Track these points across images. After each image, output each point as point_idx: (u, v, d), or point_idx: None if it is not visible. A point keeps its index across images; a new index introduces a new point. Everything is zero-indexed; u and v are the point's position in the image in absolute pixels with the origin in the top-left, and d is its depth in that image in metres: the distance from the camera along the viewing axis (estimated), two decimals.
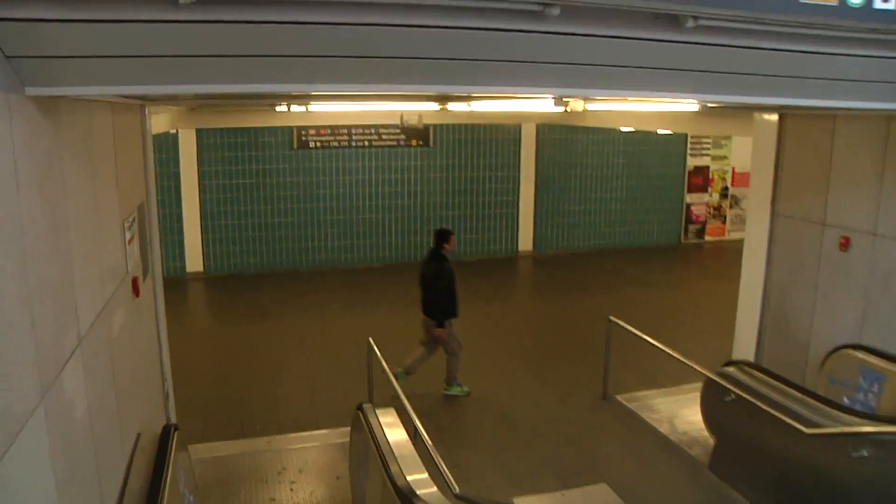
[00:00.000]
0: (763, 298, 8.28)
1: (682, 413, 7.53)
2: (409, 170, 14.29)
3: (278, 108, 10.71)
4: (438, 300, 7.88)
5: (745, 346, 8.42)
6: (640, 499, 5.75)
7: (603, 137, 15.77)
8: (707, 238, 17.59)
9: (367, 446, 4.48)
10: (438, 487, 3.93)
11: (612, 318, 7.80)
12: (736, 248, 17.80)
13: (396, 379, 7.91)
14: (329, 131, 13.59)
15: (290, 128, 13.35)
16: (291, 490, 5.76)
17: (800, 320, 7.81)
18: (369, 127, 13.80)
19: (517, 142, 15.00)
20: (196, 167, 12.94)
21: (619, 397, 7.88)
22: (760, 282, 8.30)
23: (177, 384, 5.67)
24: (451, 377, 8.02)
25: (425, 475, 3.88)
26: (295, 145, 13.45)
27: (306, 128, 13.43)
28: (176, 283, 12.61)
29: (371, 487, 4.46)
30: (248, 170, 13.26)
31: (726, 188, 17.64)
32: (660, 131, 13.09)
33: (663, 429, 7.11)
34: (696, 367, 6.53)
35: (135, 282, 4.55)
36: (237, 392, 7.92)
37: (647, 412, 7.51)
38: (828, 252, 7.48)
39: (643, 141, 16.21)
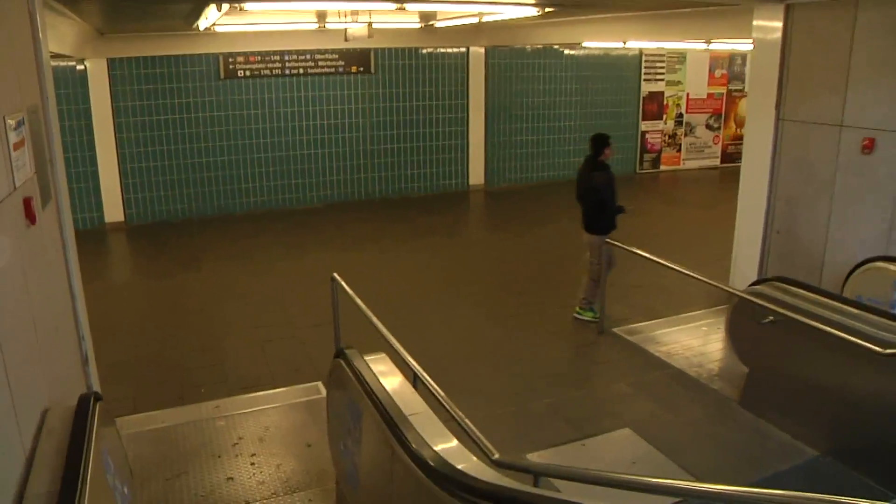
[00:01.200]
0: (767, 215, 7.47)
1: (691, 344, 6.68)
2: (350, 99, 12.97)
3: (202, 24, 9.24)
4: (599, 214, 7.06)
5: (745, 267, 7.63)
6: (669, 443, 4.86)
7: (554, 61, 14.71)
8: (662, 167, 16.87)
9: (358, 405, 3.40)
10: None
11: (608, 240, 6.84)
12: (692, 176, 17.36)
13: (581, 318, 7.24)
14: (260, 58, 12.11)
15: (217, 55, 11.82)
16: (253, 465, 4.63)
17: (812, 235, 7.01)
18: (304, 52, 12.37)
19: (465, 67, 13.80)
20: (109, 103, 11.32)
21: (616, 331, 6.98)
22: (763, 196, 7.47)
23: (98, 345, 4.42)
24: (588, 301, 7.26)
25: (454, 442, 2.83)
26: (222, 75, 11.94)
27: (234, 54, 11.92)
28: (93, 235, 11.12)
29: (367, 459, 3.39)
30: (169, 104, 11.72)
31: (681, 115, 16.88)
32: (625, 45, 12.00)
33: (676, 363, 6.24)
34: (725, 287, 5.66)
35: (27, 203, 3.29)
36: (174, 350, 6.69)
37: (652, 345, 6.63)
38: (847, 157, 6.64)
39: (595, 65, 15.23)
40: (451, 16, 9.98)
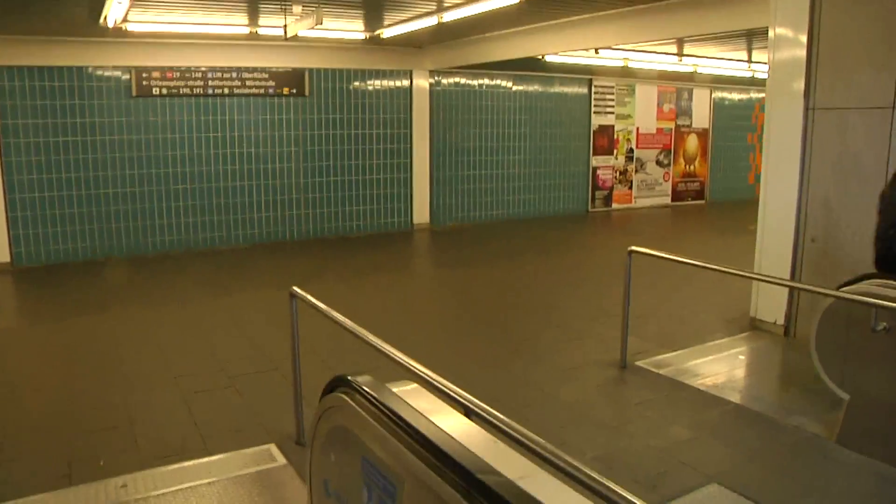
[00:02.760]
0: (798, 221, 6.33)
1: (736, 375, 5.42)
2: (281, 125, 11.47)
3: (110, 17, 7.69)
4: None
5: (770, 286, 6.44)
6: (773, 499, 3.49)
7: (502, 91, 13.67)
8: (614, 206, 15.92)
9: (390, 471, 1.88)
10: None
11: (633, 248, 5.53)
12: (646, 215, 16.44)
13: None
14: (178, 74, 10.52)
15: (128, 69, 10.18)
16: None
17: (859, 241, 5.89)
18: (230, 70, 10.86)
19: (408, 93, 12.56)
20: None
21: (640, 364, 5.62)
22: (793, 200, 6.34)
23: None
24: None
25: None
26: (134, 92, 10.27)
27: (149, 69, 10.30)
28: None
29: None
30: (70, 124, 9.94)
31: (631, 150, 16.07)
32: (597, 53, 10.95)
33: (730, 397, 4.90)
34: (818, 290, 4.33)
35: None
36: (63, 409, 4.90)
37: (690, 378, 5.28)
38: None
39: (545, 96, 14.28)
40: (402, 17, 8.73)
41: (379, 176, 12.49)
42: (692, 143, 17.20)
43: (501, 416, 2.14)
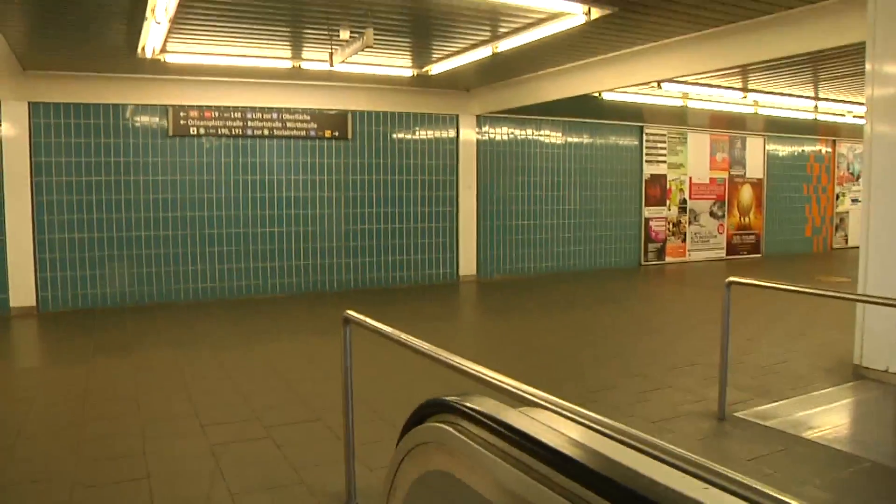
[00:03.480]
0: None
1: (861, 429, 4.53)
2: (322, 169, 10.98)
3: (147, 46, 7.31)
4: None
5: (881, 324, 5.60)
6: None
7: (551, 138, 13.11)
8: (668, 259, 15.10)
9: None
10: None
11: (732, 278, 4.78)
12: (702, 268, 15.52)
13: None
14: (217, 114, 10.13)
15: (165, 107, 9.81)
16: None
17: None
18: (271, 110, 10.45)
19: (454, 138, 12.05)
20: (28, 157, 9.10)
21: (740, 415, 4.78)
22: None
23: None
24: None
25: None
26: (171, 131, 9.87)
27: (186, 108, 9.92)
28: None
29: None
30: (104, 163, 9.53)
31: (684, 201, 15.33)
32: (659, 87, 10.31)
33: (866, 453, 4.04)
34: None
35: None
36: (75, 457, 4.20)
37: (805, 431, 4.44)
38: None
39: (595, 144, 13.71)
40: (453, 48, 8.22)
41: (423, 225, 11.88)
42: (746, 193, 16.42)
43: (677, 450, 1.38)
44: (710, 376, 5.96)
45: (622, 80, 8.71)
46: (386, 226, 11.57)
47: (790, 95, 10.56)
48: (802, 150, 17.40)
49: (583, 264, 13.72)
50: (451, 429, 1.48)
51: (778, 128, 15.70)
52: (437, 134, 11.88)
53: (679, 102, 11.09)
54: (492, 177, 12.52)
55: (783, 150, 16.99)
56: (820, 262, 15.95)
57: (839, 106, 11.72)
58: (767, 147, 16.62)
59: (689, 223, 15.45)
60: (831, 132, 16.95)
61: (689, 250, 15.46)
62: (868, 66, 5.70)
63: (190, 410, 5.11)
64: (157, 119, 9.79)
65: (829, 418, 4.75)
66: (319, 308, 9.87)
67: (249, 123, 10.33)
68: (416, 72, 9.48)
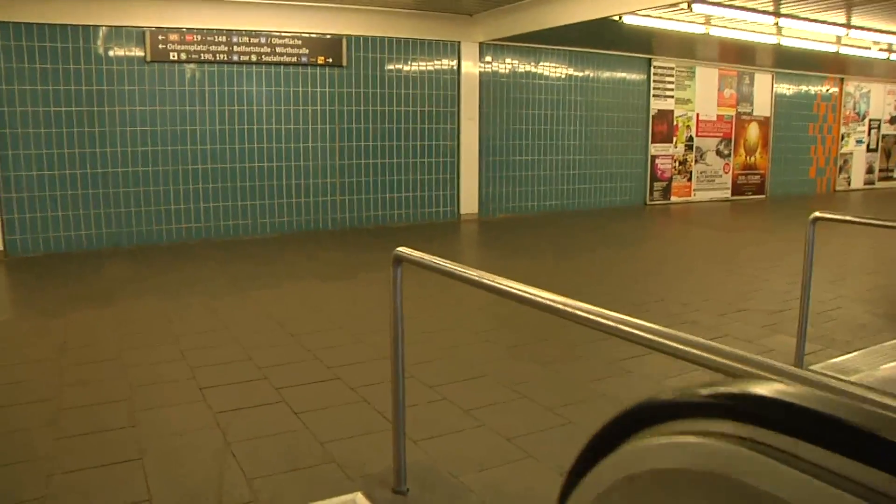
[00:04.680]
0: None
1: None
2: (314, 99, 10.10)
3: None
4: None
5: None
6: None
7: (557, 70, 12.29)
8: (673, 199, 14.47)
9: None
10: None
11: (818, 213, 4.10)
12: (708, 208, 14.86)
13: None
14: (199, 37, 9.17)
15: (141, 30, 8.84)
16: None
17: None
18: (258, 34, 9.50)
19: (455, 67, 11.18)
20: None
21: (817, 368, 4.18)
22: None
23: None
24: None
25: None
26: (148, 57, 8.92)
27: (165, 30, 8.95)
28: None
29: None
30: (74, 92, 8.59)
31: (691, 139, 14.62)
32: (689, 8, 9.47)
33: None
34: None
35: None
36: (50, 433, 3.49)
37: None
38: None
39: (600, 78, 12.90)
40: None
41: (423, 159, 11.10)
42: (753, 132, 15.74)
43: None
44: (766, 324, 5.38)
45: (646, 1, 7.87)
46: (383, 160, 10.77)
47: (820, 22, 9.77)
48: (809, 89, 16.69)
49: (587, 203, 13.05)
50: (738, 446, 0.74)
51: (788, 63, 14.94)
52: (438, 62, 11.00)
53: (702, 29, 10.26)
54: (494, 110, 11.71)
55: (791, 87, 16.27)
56: (827, 204, 15.40)
57: (868, 35, 10.95)
58: (775, 84, 15.88)
59: (696, 161, 14.78)
60: (841, 69, 16.23)
61: (694, 190, 14.83)
62: None
63: (185, 371, 4.40)
64: (133, 43, 8.83)
65: None
66: (314, 249, 9.14)
67: (235, 49, 9.38)
68: None
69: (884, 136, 18.85)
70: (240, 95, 9.52)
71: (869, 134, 18.47)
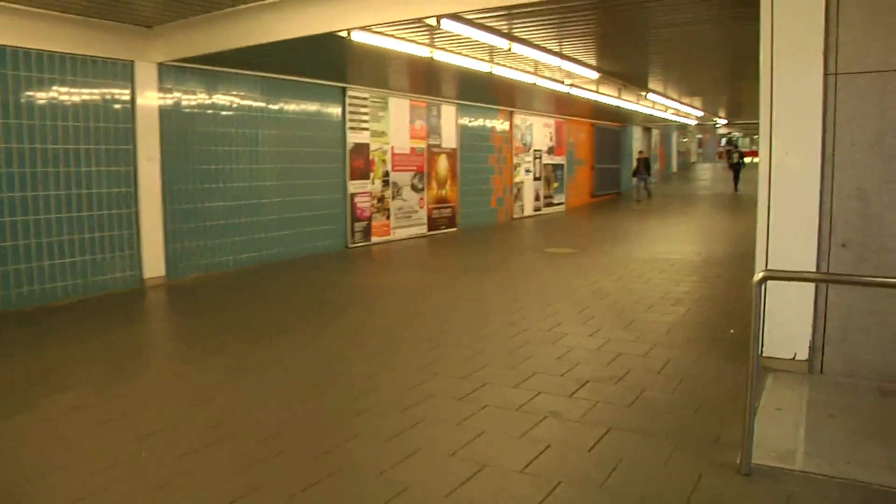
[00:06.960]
0: (821, 222, 4.66)
1: (819, 436, 3.38)
2: None
3: None
4: None
5: (787, 308, 4.69)
6: None
7: (250, 102, 10.74)
8: (374, 239, 13.64)
9: None
10: None
11: (763, 273, 3.27)
12: (409, 247, 14.07)
13: None
14: None
15: None
16: None
17: None
18: None
19: (129, 92, 9.02)
20: None
21: (766, 465, 3.35)
22: (814, 195, 4.66)
23: None
24: None
25: None
26: None
27: None
28: None
29: None
30: None
31: (387, 174, 13.98)
32: (439, 25, 8.44)
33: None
34: None
35: None
36: None
37: None
38: None
39: (296, 109, 11.64)
40: None
41: (92, 212, 8.68)
42: (443, 164, 15.67)
43: None
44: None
45: (386, 14, 6.75)
46: (37, 217, 8.17)
47: (541, 49, 9.63)
48: (486, 122, 17.23)
49: (288, 252, 11.56)
50: None
51: (467, 95, 15.15)
52: (106, 87, 8.70)
53: (427, 52, 9.47)
54: (178, 147, 9.73)
55: (472, 119, 16.59)
56: (510, 234, 15.87)
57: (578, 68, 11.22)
58: (459, 116, 16.04)
59: (393, 198, 14.16)
60: (510, 101, 16.98)
61: (392, 228, 14.17)
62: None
63: None
64: None
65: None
66: None
67: None
68: None
69: (545, 166, 20.42)
70: None
71: (535, 164, 19.80)
